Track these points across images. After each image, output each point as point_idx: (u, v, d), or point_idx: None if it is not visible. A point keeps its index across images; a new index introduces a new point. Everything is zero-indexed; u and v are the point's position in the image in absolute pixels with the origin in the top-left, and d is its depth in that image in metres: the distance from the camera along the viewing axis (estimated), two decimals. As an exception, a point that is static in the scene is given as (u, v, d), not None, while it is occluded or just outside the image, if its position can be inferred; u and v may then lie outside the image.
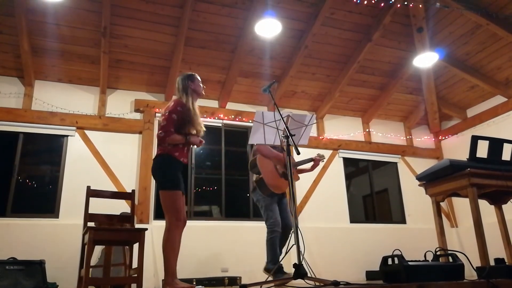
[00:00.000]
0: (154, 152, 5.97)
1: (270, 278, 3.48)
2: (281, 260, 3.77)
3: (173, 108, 3.03)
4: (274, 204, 3.85)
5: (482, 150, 3.41)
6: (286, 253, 3.14)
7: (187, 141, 3.04)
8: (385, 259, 2.69)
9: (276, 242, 3.74)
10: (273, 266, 3.69)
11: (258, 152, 3.96)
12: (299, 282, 2.66)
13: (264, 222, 3.89)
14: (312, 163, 4.30)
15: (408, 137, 7.82)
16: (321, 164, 4.62)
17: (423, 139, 7.90)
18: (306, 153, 6.69)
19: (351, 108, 7.45)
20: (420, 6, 5.96)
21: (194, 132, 3.12)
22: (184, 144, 3.07)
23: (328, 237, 6.36)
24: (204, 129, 3.21)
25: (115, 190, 5.46)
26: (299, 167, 4.26)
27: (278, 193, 3.89)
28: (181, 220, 2.96)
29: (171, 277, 2.86)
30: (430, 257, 2.80)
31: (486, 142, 3.46)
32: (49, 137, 5.70)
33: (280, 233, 3.83)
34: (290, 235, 3.89)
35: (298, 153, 2.77)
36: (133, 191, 3.86)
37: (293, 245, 2.71)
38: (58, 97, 5.83)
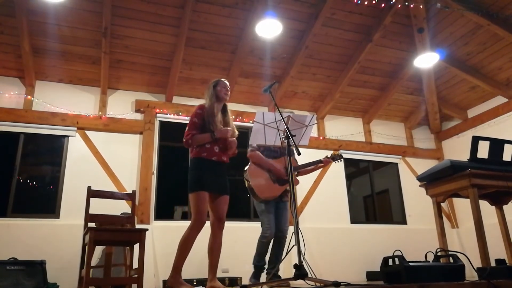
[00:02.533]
0: (155, 152, 6.00)
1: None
2: (281, 261, 3.78)
3: (194, 113, 3.12)
4: (269, 210, 3.80)
5: (483, 151, 3.40)
6: (287, 253, 3.14)
7: (213, 137, 3.02)
8: (385, 259, 2.68)
9: (264, 246, 3.76)
10: (257, 263, 3.77)
11: (249, 158, 3.92)
12: (299, 282, 2.66)
13: None
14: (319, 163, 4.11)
15: (408, 137, 7.81)
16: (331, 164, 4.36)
17: (423, 139, 7.89)
18: (307, 153, 6.69)
19: (351, 108, 7.44)
20: (421, 6, 5.96)
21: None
22: (212, 143, 3.06)
23: (329, 237, 6.36)
24: (236, 132, 3.20)
25: (116, 190, 5.46)
26: (303, 169, 4.10)
27: (271, 199, 3.81)
28: (203, 222, 2.96)
29: (177, 273, 2.92)
30: (430, 257, 2.80)
31: (487, 143, 3.45)
32: (50, 137, 5.70)
33: (274, 239, 3.83)
34: (284, 242, 3.87)
35: (299, 154, 2.78)
36: (134, 191, 3.87)
37: (293, 245, 2.71)
38: (59, 98, 5.84)
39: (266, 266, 3.83)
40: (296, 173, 4.05)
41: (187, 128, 3.06)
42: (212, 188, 3.01)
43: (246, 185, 3.89)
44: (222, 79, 3.31)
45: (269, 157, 3.93)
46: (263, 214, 3.80)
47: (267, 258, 3.87)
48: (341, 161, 4.22)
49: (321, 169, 4.19)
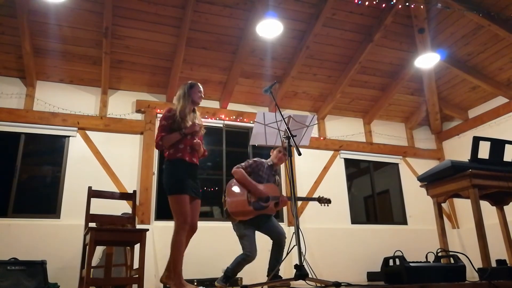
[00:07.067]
0: (156, 152, 6.00)
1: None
2: (281, 262, 3.77)
3: (162, 116, 3.18)
4: (248, 233, 3.71)
5: (484, 151, 3.40)
6: (287, 254, 3.14)
7: (182, 134, 3.07)
8: (386, 260, 2.69)
9: (242, 266, 3.67)
10: (228, 273, 3.67)
11: (233, 175, 3.87)
12: (300, 283, 2.66)
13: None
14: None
15: (409, 138, 7.81)
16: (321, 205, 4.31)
17: (424, 140, 7.89)
18: (308, 154, 6.72)
19: (352, 108, 7.44)
20: (422, 7, 5.95)
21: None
22: (184, 144, 3.09)
23: (329, 238, 6.35)
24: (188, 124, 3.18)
25: (116, 190, 5.46)
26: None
27: (242, 219, 3.72)
28: (187, 223, 2.99)
29: (178, 278, 2.92)
30: (431, 258, 2.80)
31: (488, 143, 3.45)
32: (51, 137, 5.70)
33: (273, 242, 3.83)
34: (284, 244, 3.84)
35: (299, 154, 2.78)
36: (134, 191, 3.87)
37: (294, 246, 2.71)
38: (59, 98, 5.84)
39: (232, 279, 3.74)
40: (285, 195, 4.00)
41: (157, 131, 3.12)
42: (190, 191, 3.06)
43: (222, 200, 3.85)
44: (198, 83, 3.35)
45: (256, 180, 3.88)
46: (242, 238, 3.73)
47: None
48: (327, 205, 4.18)
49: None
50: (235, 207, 3.71)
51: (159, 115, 6.19)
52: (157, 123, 6.13)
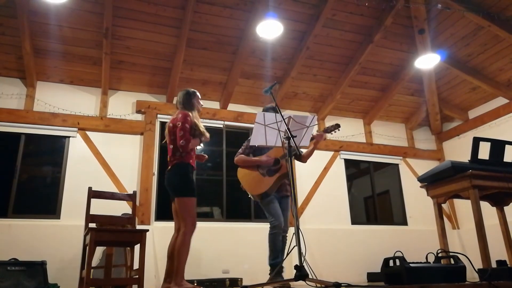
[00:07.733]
0: (156, 153, 6.00)
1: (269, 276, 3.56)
2: (283, 260, 3.77)
3: (184, 119, 3.20)
4: (272, 201, 3.79)
5: (484, 152, 3.40)
6: (288, 254, 3.14)
7: (201, 142, 3.27)
8: (386, 260, 2.69)
9: (276, 239, 3.70)
10: (272, 261, 3.69)
11: (236, 163, 3.95)
12: (300, 283, 2.66)
13: (266, 223, 3.89)
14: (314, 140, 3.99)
15: (409, 138, 7.81)
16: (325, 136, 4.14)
17: (424, 140, 7.89)
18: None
19: (352, 109, 7.44)
20: (422, 7, 5.96)
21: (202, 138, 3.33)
22: (193, 151, 3.28)
23: (330, 238, 6.35)
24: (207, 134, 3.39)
25: (117, 191, 5.46)
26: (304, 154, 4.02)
27: (266, 191, 3.80)
28: (195, 226, 3.12)
29: (181, 278, 2.96)
30: (431, 259, 2.80)
31: (488, 144, 3.46)
32: (51, 138, 5.71)
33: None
34: (285, 241, 3.84)
35: (300, 154, 2.78)
36: (135, 192, 3.88)
37: (294, 246, 2.71)
38: (60, 98, 5.85)
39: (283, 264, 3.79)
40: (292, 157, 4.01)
41: (182, 132, 3.14)
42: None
43: (242, 189, 3.93)
44: (196, 91, 3.46)
45: (261, 155, 3.94)
46: (267, 208, 3.78)
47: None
48: (338, 130, 4.07)
49: (315, 144, 4.00)
50: (253, 187, 3.79)
51: (159, 116, 6.20)
52: (157, 124, 6.17)
